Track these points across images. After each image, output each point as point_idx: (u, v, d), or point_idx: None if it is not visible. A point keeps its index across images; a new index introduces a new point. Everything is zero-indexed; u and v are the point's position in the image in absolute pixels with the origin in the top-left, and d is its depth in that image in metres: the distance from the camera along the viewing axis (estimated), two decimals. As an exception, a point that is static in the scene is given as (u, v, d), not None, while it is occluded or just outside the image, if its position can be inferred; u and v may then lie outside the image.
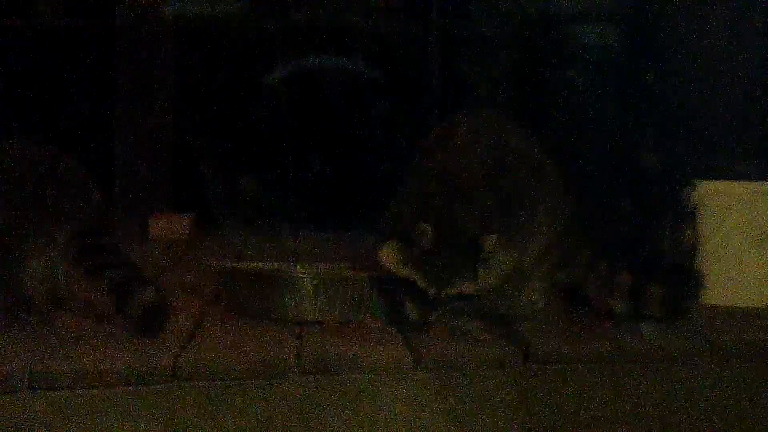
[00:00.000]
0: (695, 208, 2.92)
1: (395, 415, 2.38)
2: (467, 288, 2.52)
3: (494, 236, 2.48)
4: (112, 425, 2.25)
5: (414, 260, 2.51)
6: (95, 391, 2.24)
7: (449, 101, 4.11)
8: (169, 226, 4.16)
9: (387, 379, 2.38)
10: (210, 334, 2.54)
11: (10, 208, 2.55)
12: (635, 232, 2.84)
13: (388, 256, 2.54)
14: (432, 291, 2.51)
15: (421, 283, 2.51)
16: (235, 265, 2.96)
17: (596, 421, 2.47)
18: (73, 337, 2.46)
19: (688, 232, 2.81)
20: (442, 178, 2.59)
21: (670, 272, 2.77)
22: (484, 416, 2.42)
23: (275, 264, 3.00)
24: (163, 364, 2.27)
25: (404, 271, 2.52)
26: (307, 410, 2.31)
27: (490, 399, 2.43)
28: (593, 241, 2.72)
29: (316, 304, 2.63)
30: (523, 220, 2.61)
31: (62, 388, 2.23)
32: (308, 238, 4.04)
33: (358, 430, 2.32)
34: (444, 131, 2.73)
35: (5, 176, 2.59)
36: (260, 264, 2.99)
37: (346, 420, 2.32)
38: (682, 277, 2.77)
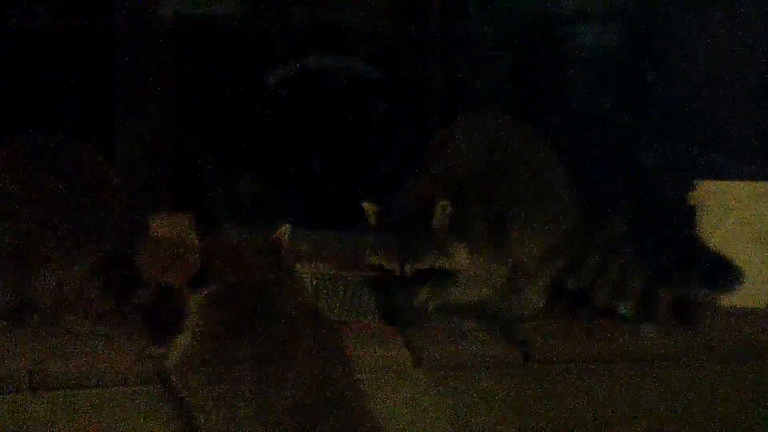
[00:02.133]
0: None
1: (395, 415, 2.38)
2: (438, 262, 2.49)
3: (445, 202, 2.47)
4: (112, 425, 2.25)
5: (382, 246, 2.51)
6: (95, 391, 2.24)
7: (449, 101, 4.11)
8: (169, 226, 4.15)
9: (387, 379, 2.37)
10: (210, 334, 2.54)
11: (31, 212, 2.48)
12: (642, 235, 2.83)
13: (366, 248, 2.55)
14: (396, 268, 2.50)
15: (387, 265, 2.50)
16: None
17: (596, 421, 2.47)
18: (73, 337, 2.46)
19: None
20: (433, 175, 2.59)
21: (681, 277, 2.76)
22: (484, 416, 2.42)
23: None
24: (162, 364, 2.27)
25: (375, 259, 2.52)
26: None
27: (490, 399, 2.42)
28: (602, 244, 2.71)
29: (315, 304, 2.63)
30: (520, 219, 2.60)
31: (62, 388, 2.23)
32: (308, 237, 4.03)
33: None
34: (445, 134, 2.73)
35: (35, 175, 2.51)
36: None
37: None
38: (693, 282, 2.76)
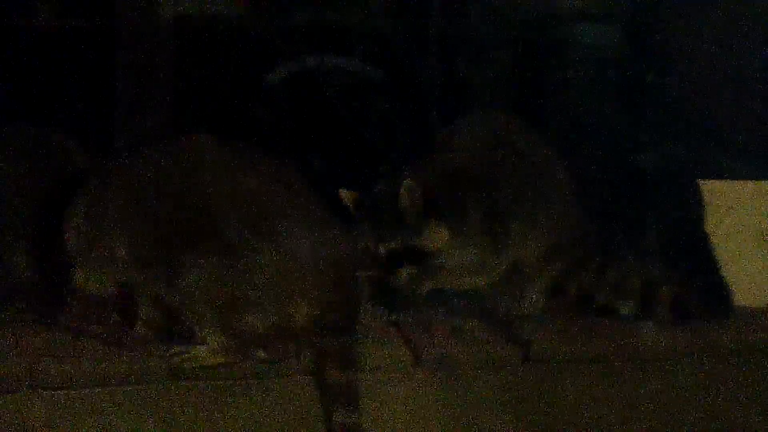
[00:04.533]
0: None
1: (395, 414, 2.38)
2: (413, 242, 2.50)
3: (409, 181, 2.47)
4: (112, 425, 2.25)
5: (362, 230, 2.52)
6: (95, 391, 2.24)
7: (449, 101, 4.11)
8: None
9: (387, 379, 2.38)
10: (210, 334, 2.54)
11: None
12: (643, 234, 2.83)
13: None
14: (371, 245, 2.51)
15: (365, 242, 2.52)
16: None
17: (596, 421, 2.47)
18: (73, 337, 2.46)
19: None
20: (431, 171, 2.60)
21: (681, 275, 2.76)
22: (484, 416, 2.43)
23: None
24: (163, 364, 2.27)
25: (360, 243, 2.52)
26: (308, 410, 2.31)
27: (490, 399, 2.43)
28: (603, 245, 2.71)
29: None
30: (520, 215, 2.60)
31: (62, 388, 2.23)
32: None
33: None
34: (446, 133, 2.74)
35: None
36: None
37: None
38: (694, 279, 2.76)
